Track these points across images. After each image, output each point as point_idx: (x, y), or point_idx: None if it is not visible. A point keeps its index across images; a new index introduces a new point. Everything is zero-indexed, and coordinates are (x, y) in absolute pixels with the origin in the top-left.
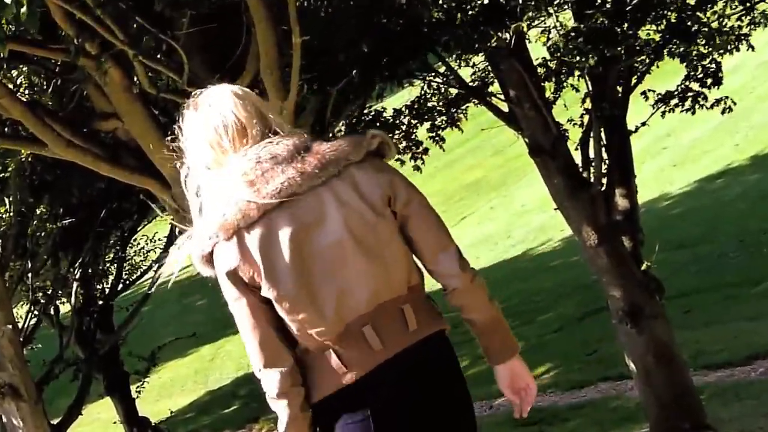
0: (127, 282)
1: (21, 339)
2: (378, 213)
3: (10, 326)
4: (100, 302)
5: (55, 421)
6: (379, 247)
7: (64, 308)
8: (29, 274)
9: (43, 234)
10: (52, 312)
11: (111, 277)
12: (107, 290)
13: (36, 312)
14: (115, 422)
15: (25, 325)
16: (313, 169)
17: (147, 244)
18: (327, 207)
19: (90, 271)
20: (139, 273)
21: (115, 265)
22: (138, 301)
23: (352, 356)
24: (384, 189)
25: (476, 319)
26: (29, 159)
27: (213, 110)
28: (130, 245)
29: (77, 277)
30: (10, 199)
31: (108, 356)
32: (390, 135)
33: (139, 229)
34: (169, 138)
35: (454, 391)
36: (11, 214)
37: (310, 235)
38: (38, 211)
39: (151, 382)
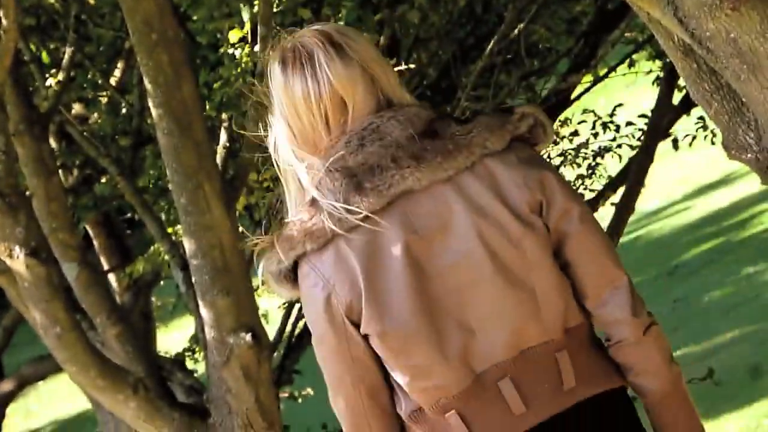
0: None
1: None
2: (525, 223)
3: None
4: None
5: None
6: (525, 270)
7: None
8: None
9: None
10: None
11: None
12: None
13: None
14: None
15: None
16: (436, 159)
17: None
18: (454, 211)
19: None
20: None
21: None
22: None
23: (483, 421)
24: (533, 191)
25: (647, 388)
26: None
27: (303, 70)
28: None
29: None
30: None
31: None
32: None
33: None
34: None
35: None
36: None
37: (431, 249)
38: None
39: None
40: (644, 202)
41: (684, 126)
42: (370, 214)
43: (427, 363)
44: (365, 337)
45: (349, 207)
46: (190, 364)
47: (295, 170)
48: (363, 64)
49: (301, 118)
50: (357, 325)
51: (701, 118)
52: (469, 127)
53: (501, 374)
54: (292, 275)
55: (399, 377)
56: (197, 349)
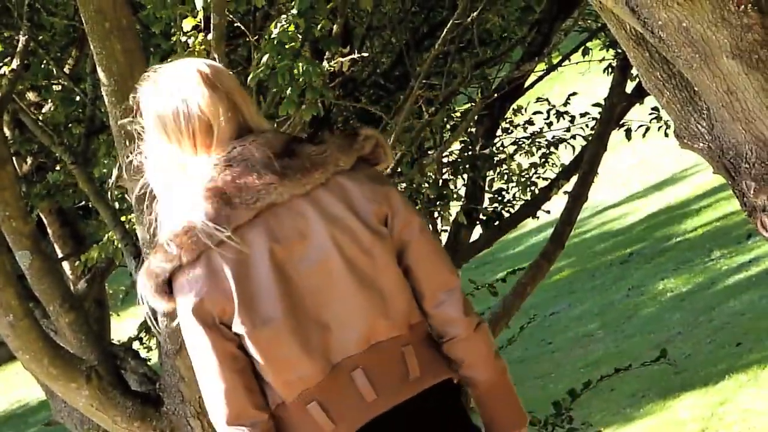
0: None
1: None
2: (374, 232)
3: None
4: None
5: None
6: (374, 274)
7: None
8: None
9: None
10: None
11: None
12: None
13: None
14: None
15: None
16: (296, 175)
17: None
18: (311, 222)
19: None
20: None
21: None
22: None
23: (340, 409)
24: (381, 204)
25: (477, 379)
26: None
27: (174, 94)
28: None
29: None
30: None
31: None
32: None
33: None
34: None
35: None
36: None
37: (292, 255)
38: None
39: None
40: (598, 192)
41: (639, 116)
42: (238, 227)
43: (292, 357)
44: (236, 336)
45: (219, 223)
46: (142, 352)
47: (168, 191)
48: (227, 92)
49: (170, 137)
50: (228, 326)
51: (655, 108)
52: (323, 148)
53: (354, 365)
54: (168, 288)
55: (267, 372)
56: (145, 337)
